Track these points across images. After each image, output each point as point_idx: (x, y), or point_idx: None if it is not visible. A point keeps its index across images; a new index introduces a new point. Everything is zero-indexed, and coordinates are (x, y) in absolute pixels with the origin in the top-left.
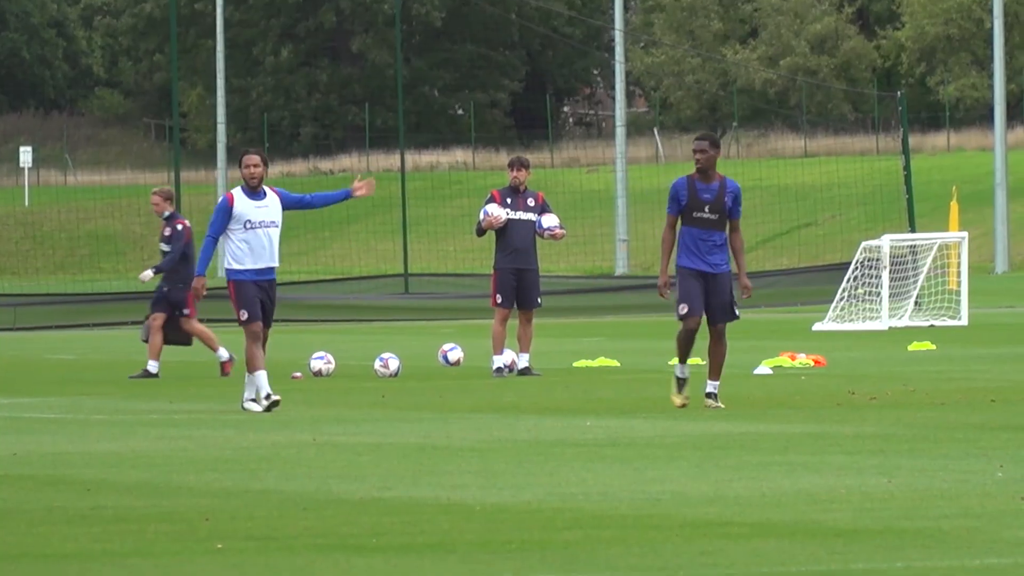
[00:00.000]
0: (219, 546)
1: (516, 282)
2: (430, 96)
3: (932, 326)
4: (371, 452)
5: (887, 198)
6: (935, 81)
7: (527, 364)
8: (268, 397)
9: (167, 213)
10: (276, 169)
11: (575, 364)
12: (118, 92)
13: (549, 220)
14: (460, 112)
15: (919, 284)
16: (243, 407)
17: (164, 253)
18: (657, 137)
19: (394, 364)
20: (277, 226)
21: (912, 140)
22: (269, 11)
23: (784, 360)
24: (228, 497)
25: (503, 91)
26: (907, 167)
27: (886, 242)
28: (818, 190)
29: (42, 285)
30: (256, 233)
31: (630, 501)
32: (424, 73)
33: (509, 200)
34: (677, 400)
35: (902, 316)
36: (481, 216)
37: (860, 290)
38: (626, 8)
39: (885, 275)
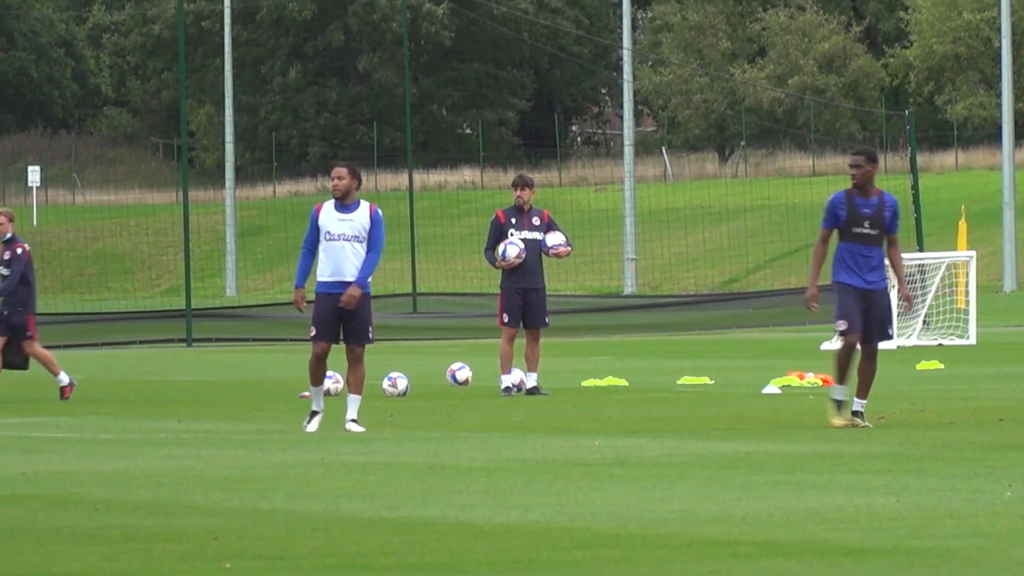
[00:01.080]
0: (227, 566)
1: (523, 301)
2: (438, 115)
3: (940, 345)
4: (379, 471)
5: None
6: (943, 100)
7: (535, 383)
8: (314, 413)
9: (8, 236)
10: (284, 188)
11: (583, 383)
12: (126, 111)
13: (554, 238)
14: (468, 131)
15: (927, 303)
16: (345, 428)
17: (3, 277)
18: (665, 156)
19: (402, 383)
20: (360, 241)
21: (920, 159)
22: (277, 30)
23: (792, 379)
24: (236, 516)
25: (511, 110)
26: (915, 186)
27: None
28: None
29: (50, 304)
30: (333, 246)
31: (638, 520)
32: (432, 92)
33: (514, 220)
34: (838, 422)
35: (910, 335)
36: (500, 254)
37: None
38: (634, 27)
39: (893, 294)
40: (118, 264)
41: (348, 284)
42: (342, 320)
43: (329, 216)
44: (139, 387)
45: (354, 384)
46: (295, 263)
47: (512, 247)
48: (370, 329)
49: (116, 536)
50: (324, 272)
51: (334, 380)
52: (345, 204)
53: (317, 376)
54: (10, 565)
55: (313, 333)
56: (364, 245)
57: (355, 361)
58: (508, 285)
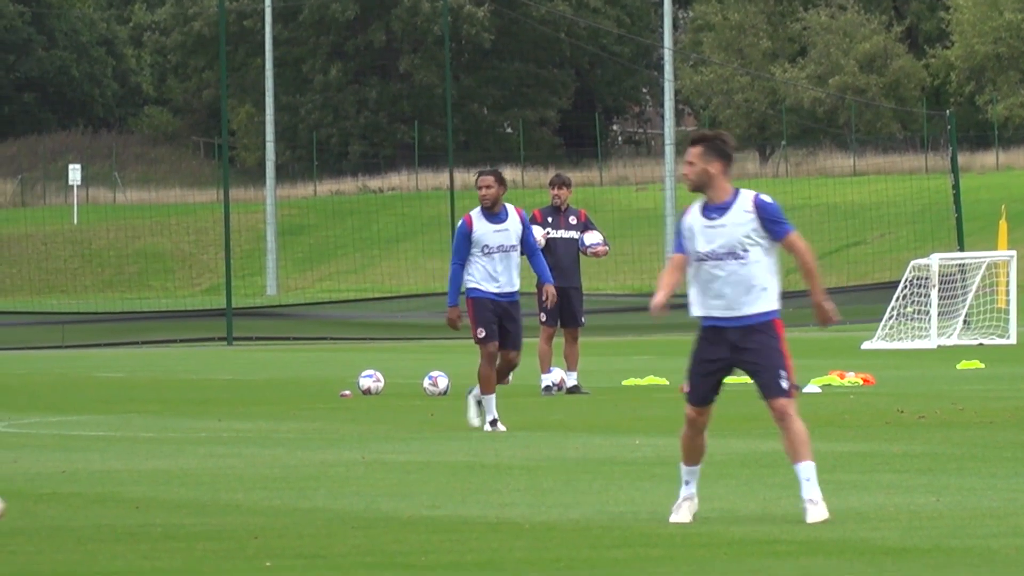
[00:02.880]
0: (268, 564)
1: (559, 300)
2: (479, 114)
3: (981, 345)
4: (420, 470)
5: (936, 217)
6: (984, 100)
7: (576, 382)
8: (494, 423)
9: None
10: (325, 187)
11: (624, 382)
12: (167, 110)
13: (592, 237)
14: (509, 130)
15: (968, 303)
16: (470, 423)
17: None
18: None
19: (443, 382)
20: (516, 249)
21: (961, 159)
22: (319, 29)
23: (833, 379)
24: (277, 515)
25: (552, 109)
26: (956, 186)
27: (935, 261)
28: (867, 209)
29: (91, 303)
30: (494, 259)
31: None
32: (473, 91)
33: (551, 219)
34: None
35: (951, 335)
36: None
37: (909, 309)
38: (675, 27)
39: (934, 294)
40: (159, 263)
41: (508, 294)
42: (501, 324)
43: (484, 229)
44: (179, 386)
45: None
46: (335, 261)
47: (539, 229)
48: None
49: (156, 534)
50: (483, 282)
51: (374, 379)
52: (495, 213)
53: (494, 382)
54: (51, 563)
55: (482, 335)
56: (518, 252)
57: (508, 366)
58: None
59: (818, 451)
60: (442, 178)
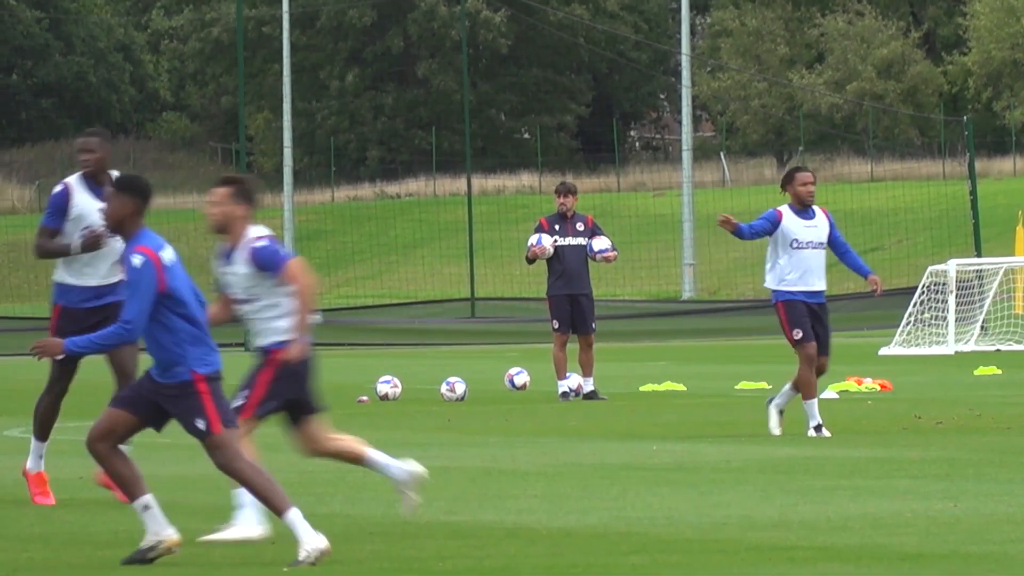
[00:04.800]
0: (285, 569)
1: (570, 307)
2: (496, 120)
3: (998, 351)
4: (437, 476)
5: (953, 223)
6: (1001, 106)
7: (592, 388)
8: (818, 428)
9: None
10: (342, 193)
11: (641, 388)
12: (185, 116)
13: (600, 243)
14: (526, 136)
15: (985, 309)
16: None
17: None
18: (723, 161)
19: (460, 388)
20: (824, 246)
21: (978, 165)
22: (336, 35)
23: (850, 385)
24: None
25: (569, 115)
26: (973, 192)
27: (952, 267)
28: (884, 215)
29: None
30: (802, 254)
31: (696, 525)
32: (490, 97)
33: (557, 227)
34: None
35: (968, 341)
36: (528, 244)
37: (926, 315)
38: (693, 33)
39: (951, 300)
40: None
41: (816, 293)
42: (813, 322)
43: (794, 222)
44: None
45: (811, 389)
46: (353, 267)
47: (547, 238)
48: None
49: None
50: (791, 279)
51: (392, 385)
52: (805, 210)
53: (815, 386)
54: (68, 569)
55: (799, 336)
56: (824, 251)
57: (820, 372)
58: (555, 292)
59: (835, 457)
60: (460, 184)
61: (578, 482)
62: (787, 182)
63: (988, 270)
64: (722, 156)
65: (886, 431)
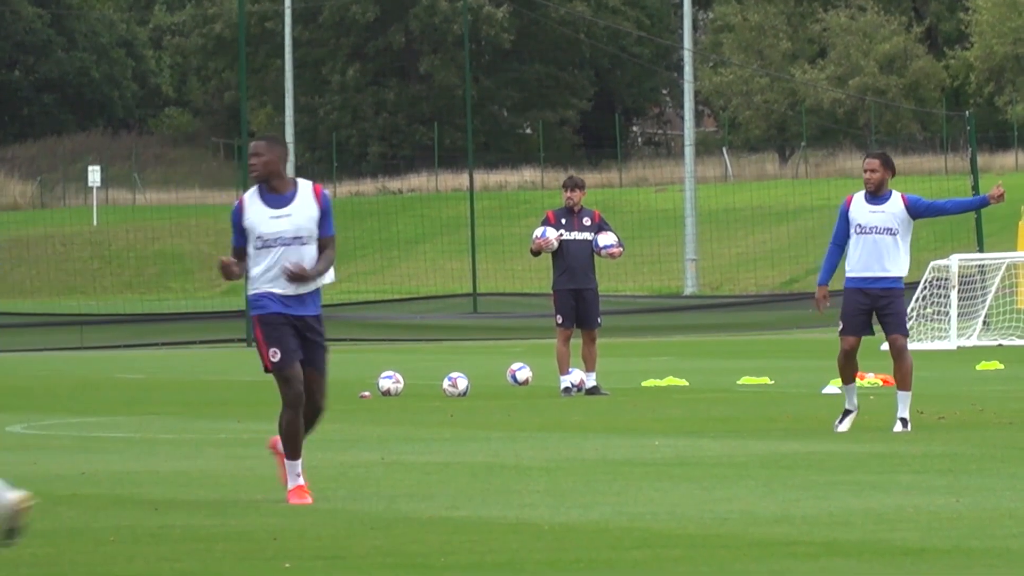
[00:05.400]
0: (287, 565)
1: (575, 302)
2: (499, 115)
3: (1000, 346)
4: (440, 471)
5: (956, 218)
6: (1004, 101)
7: (595, 383)
8: (847, 412)
9: None
10: (345, 188)
11: (644, 383)
12: (187, 111)
13: (606, 239)
14: (529, 131)
15: (987, 304)
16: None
17: None
18: (726, 157)
19: (462, 383)
20: (894, 233)
21: (980, 160)
22: (338, 31)
23: None
24: (296, 516)
25: (572, 110)
26: (975, 186)
27: (954, 262)
28: None
29: (110, 304)
30: (866, 239)
31: (698, 520)
32: (493, 92)
33: (564, 221)
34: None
35: (970, 336)
36: (534, 236)
37: (929, 309)
38: (695, 28)
39: (953, 295)
40: (178, 264)
41: (878, 279)
42: (871, 314)
43: (860, 207)
44: (199, 387)
45: (900, 380)
46: (355, 263)
47: (552, 231)
48: (906, 321)
49: (176, 536)
50: (853, 265)
51: (394, 380)
52: (878, 195)
53: (847, 373)
54: (70, 564)
55: (840, 327)
56: (896, 238)
57: (898, 355)
58: (560, 287)
59: (837, 452)
60: (462, 179)
61: (580, 477)
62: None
63: (990, 265)
64: (724, 151)
65: (888, 426)
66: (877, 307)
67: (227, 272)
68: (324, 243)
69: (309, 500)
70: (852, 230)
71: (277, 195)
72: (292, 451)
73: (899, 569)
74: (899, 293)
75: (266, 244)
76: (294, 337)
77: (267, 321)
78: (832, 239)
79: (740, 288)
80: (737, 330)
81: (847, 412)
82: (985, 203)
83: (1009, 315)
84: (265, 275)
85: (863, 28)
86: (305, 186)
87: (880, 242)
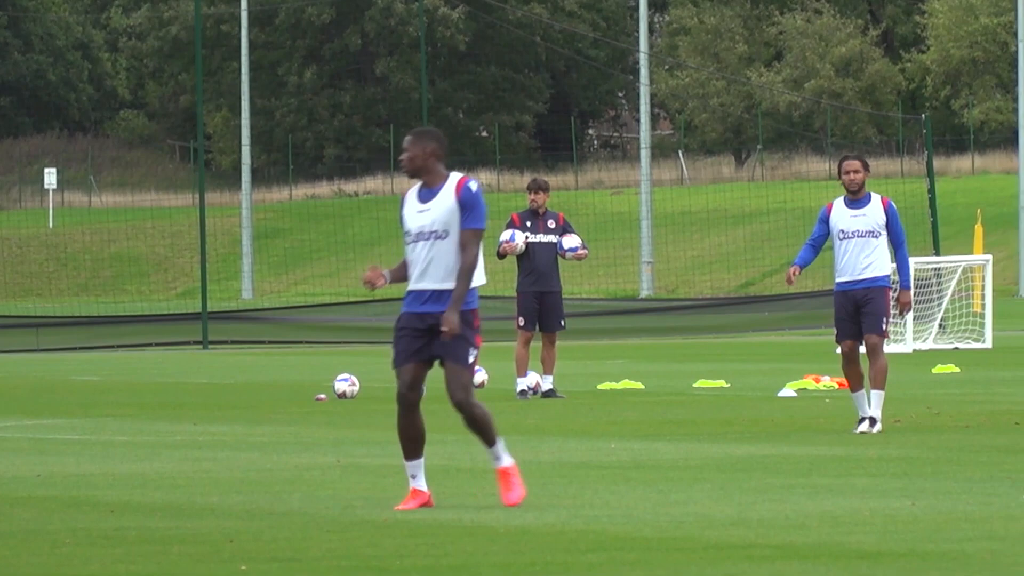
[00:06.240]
0: (243, 568)
1: (538, 305)
2: (454, 118)
3: (956, 349)
4: (395, 474)
5: (912, 221)
6: (960, 104)
7: (551, 386)
8: (868, 422)
9: None
10: (300, 191)
11: (599, 386)
12: (143, 114)
13: (571, 241)
14: (485, 134)
15: (943, 307)
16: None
17: None
18: (681, 160)
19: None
20: (876, 235)
21: (937, 163)
22: (294, 33)
23: (808, 383)
24: (252, 519)
25: (528, 113)
26: (932, 190)
27: (911, 265)
28: None
29: (66, 307)
30: (849, 244)
31: (654, 523)
32: (449, 95)
33: (529, 223)
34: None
35: (927, 339)
36: (501, 240)
37: None
38: (651, 31)
39: None
40: (134, 266)
41: (861, 280)
42: (857, 316)
43: (841, 213)
44: (155, 389)
45: (872, 379)
46: (311, 265)
47: (520, 235)
48: (884, 321)
49: (131, 538)
50: (840, 271)
51: (350, 383)
52: (857, 198)
53: (853, 380)
54: (26, 566)
55: (835, 335)
56: (879, 239)
57: (871, 354)
58: (524, 289)
59: (793, 455)
60: (417, 182)
61: (536, 480)
62: (839, 172)
63: (946, 268)
64: (680, 154)
65: (844, 429)
66: (862, 304)
67: (370, 284)
68: (463, 238)
69: (411, 505)
70: (836, 236)
71: (427, 189)
72: (403, 450)
73: (855, 572)
74: (880, 292)
75: (412, 239)
76: (415, 338)
77: (397, 323)
78: (808, 239)
79: (696, 291)
80: (693, 333)
81: (862, 419)
82: (906, 287)
83: (965, 318)
84: (412, 271)
85: (819, 31)
86: (452, 179)
87: (864, 245)
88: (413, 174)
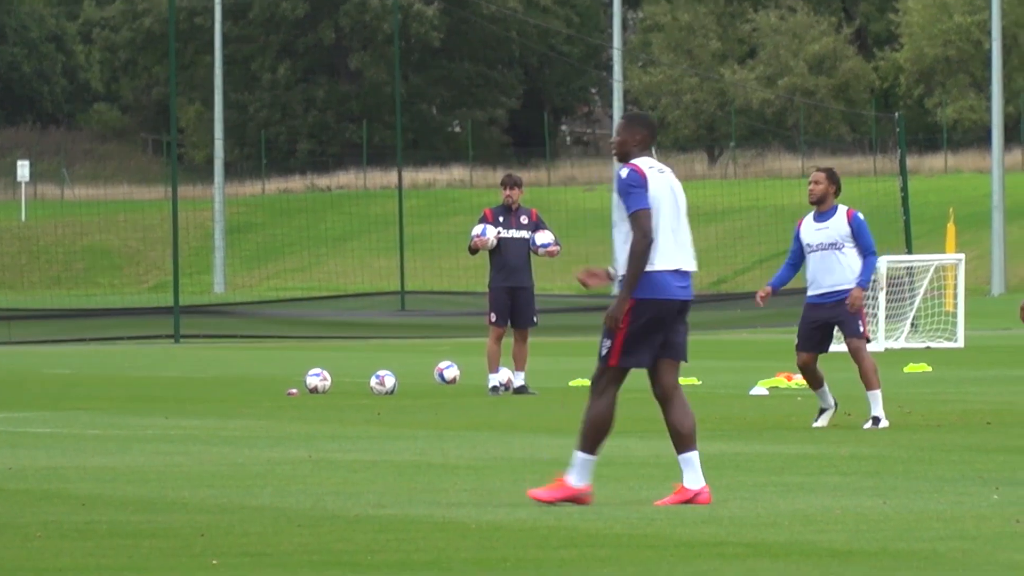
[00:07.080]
0: (214, 562)
1: (510, 300)
2: (428, 113)
3: (928, 348)
4: (367, 469)
5: (884, 219)
6: (933, 103)
7: (523, 383)
8: (875, 421)
9: None
10: (273, 185)
11: (571, 383)
12: (116, 107)
13: (543, 237)
14: (458, 130)
15: (915, 306)
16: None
17: None
18: (654, 156)
19: (390, 382)
20: (839, 248)
21: (910, 161)
22: (268, 27)
23: (780, 381)
24: (223, 513)
25: (501, 109)
26: (904, 188)
27: (883, 263)
28: None
29: (38, 299)
30: (815, 257)
31: (625, 520)
32: (422, 90)
33: (502, 219)
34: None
35: (898, 338)
36: (472, 234)
37: None
38: (624, 27)
39: (882, 296)
40: (106, 260)
41: (829, 293)
42: (828, 328)
43: (808, 227)
44: (126, 383)
45: (863, 381)
46: (283, 259)
47: (492, 229)
48: (860, 323)
49: (102, 532)
50: (809, 283)
51: (321, 378)
52: (822, 211)
53: (811, 383)
54: None
55: (797, 341)
56: (842, 251)
57: (855, 357)
58: (496, 284)
59: (765, 453)
60: (390, 177)
61: (508, 476)
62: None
63: (919, 267)
64: (653, 151)
65: (815, 427)
66: (833, 317)
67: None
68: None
69: (544, 496)
70: (804, 249)
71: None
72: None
73: (826, 571)
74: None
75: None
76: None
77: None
78: (787, 258)
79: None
80: None
81: (823, 410)
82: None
83: (937, 317)
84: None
85: (793, 28)
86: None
87: (827, 257)
88: (622, 158)
